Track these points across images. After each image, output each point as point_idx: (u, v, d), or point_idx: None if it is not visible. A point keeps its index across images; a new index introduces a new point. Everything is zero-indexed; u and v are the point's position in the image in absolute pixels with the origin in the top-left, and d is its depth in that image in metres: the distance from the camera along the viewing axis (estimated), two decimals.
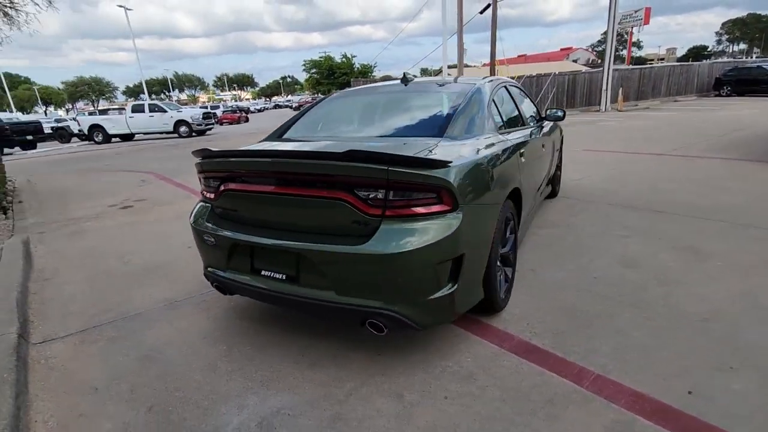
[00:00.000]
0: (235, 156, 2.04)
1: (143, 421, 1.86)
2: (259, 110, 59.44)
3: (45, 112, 53.11)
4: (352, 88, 3.46)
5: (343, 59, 46.33)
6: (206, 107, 24.70)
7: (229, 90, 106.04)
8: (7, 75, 66.95)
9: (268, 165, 1.93)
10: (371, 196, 1.78)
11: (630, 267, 3.07)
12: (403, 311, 1.82)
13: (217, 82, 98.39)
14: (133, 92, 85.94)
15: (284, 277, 1.98)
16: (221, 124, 31.50)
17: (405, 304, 1.82)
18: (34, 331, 2.66)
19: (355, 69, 45.95)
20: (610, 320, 2.40)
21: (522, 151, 2.70)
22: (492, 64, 16.95)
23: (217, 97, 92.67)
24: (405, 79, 3.07)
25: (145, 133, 19.80)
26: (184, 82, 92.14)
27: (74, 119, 21.70)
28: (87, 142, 20.06)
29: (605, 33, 18.74)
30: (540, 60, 46.59)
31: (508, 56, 24.17)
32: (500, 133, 2.61)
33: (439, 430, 1.70)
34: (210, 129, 20.94)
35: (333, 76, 44.94)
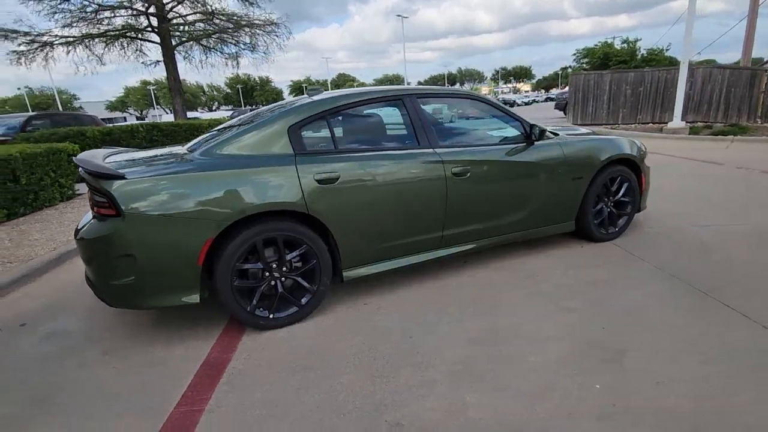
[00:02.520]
0: None
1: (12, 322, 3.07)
2: (526, 103, 58.45)
3: None
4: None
5: (624, 45, 39.85)
6: None
7: (506, 83, 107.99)
8: (342, 76, 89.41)
9: None
10: (94, 195, 2.34)
11: (474, 345, 2.32)
12: (97, 288, 2.34)
13: (495, 75, 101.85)
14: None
15: None
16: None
17: (98, 284, 2.33)
18: None
19: (638, 55, 38.82)
20: (289, 384, 2.10)
21: (330, 175, 2.49)
22: (747, 50, 11.53)
23: (495, 90, 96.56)
24: (308, 93, 3.19)
25: None
26: (465, 76, 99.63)
27: None
28: None
29: None
30: None
31: None
32: (303, 155, 2.50)
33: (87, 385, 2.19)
34: None
35: (607, 65, 39.36)
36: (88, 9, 11.43)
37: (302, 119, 2.58)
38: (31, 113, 9.93)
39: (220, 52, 14.00)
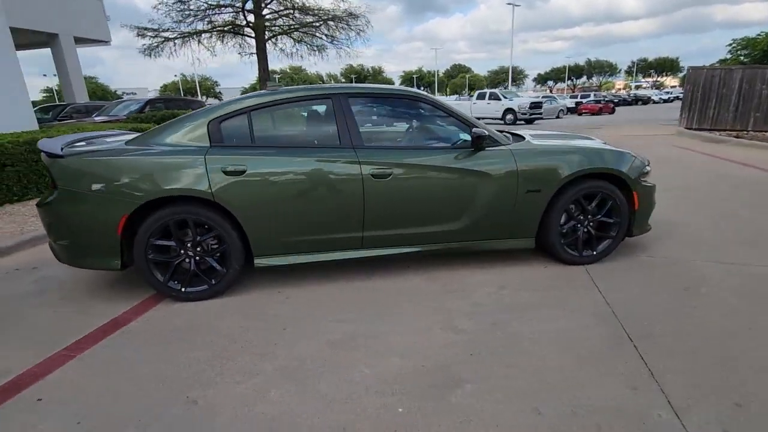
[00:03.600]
0: None
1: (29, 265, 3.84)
2: (665, 100, 50.98)
3: (468, 94, 67.32)
4: None
5: None
6: (538, 97, 24.55)
7: (645, 76, 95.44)
8: (456, 67, 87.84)
9: None
10: None
11: (329, 346, 2.35)
12: (50, 246, 2.88)
13: (631, 67, 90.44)
14: (543, 79, 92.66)
15: None
16: (580, 114, 30.41)
17: (50, 242, 2.87)
18: None
19: None
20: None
21: (237, 167, 2.67)
22: None
23: (631, 84, 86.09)
24: (268, 88, 3.40)
25: (479, 118, 22.52)
26: (595, 68, 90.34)
27: None
28: None
29: None
30: None
31: None
32: (218, 147, 2.73)
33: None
34: (537, 118, 21.25)
35: None
36: (201, 8, 13.35)
37: (222, 114, 2.81)
38: (150, 97, 11.87)
39: (308, 44, 15.08)
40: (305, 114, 3.10)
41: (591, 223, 3.25)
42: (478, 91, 23.50)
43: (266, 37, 14.19)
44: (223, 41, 14.52)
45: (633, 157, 3.26)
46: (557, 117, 26.77)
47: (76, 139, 3.03)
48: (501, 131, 3.76)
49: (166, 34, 14.07)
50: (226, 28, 14.07)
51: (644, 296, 2.79)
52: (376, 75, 67.96)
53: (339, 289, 3.03)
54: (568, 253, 3.25)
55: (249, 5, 13.47)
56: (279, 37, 14.69)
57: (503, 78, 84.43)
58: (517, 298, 2.83)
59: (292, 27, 14.33)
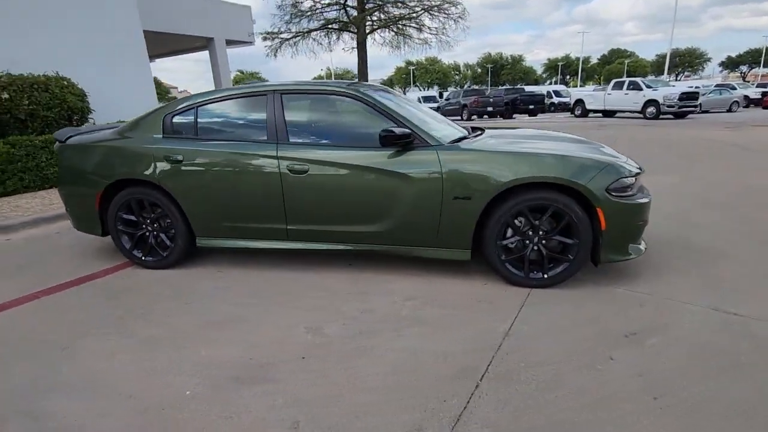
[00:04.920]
0: None
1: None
2: None
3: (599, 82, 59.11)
4: None
5: None
6: (711, 86, 19.68)
7: None
8: (615, 51, 77.42)
9: None
10: None
11: (206, 327, 2.55)
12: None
13: None
14: (734, 63, 75.62)
15: None
16: (765, 107, 24.25)
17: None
18: None
19: None
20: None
21: (174, 156, 3.03)
22: None
23: None
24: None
25: (617, 111, 19.58)
26: None
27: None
28: (571, 115, 22.51)
29: None
30: None
31: None
32: (168, 138, 3.12)
33: None
34: (691, 112, 17.64)
35: None
36: (313, 8, 14.58)
37: (175, 109, 3.19)
38: None
39: (404, 36, 15.18)
40: (245, 110, 3.28)
41: (543, 241, 2.77)
42: (614, 80, 20.46)
43: (366, 32, 14.84)
44: (329, 37, 15.73)
45: (603, 166, 2.65)
46: (728, 110, 21.85)
47: (87, 129, 3.77)
48: (475, 128, 3.44)
49: (283, 35, 15.89)
50: (330, 25, 15.19)
51: (562, 335, 2.31)
52: (515, 63, 64.19)
53: (272, 275, 3.19)
54: (510, 273, 2.83)
55: (352, 2, 14.34)
56: (380, 30, 15.24)
57: (675, 62, 71.55)
58: (417, 311, 2.61)
59: (389, 20, 14.70)
